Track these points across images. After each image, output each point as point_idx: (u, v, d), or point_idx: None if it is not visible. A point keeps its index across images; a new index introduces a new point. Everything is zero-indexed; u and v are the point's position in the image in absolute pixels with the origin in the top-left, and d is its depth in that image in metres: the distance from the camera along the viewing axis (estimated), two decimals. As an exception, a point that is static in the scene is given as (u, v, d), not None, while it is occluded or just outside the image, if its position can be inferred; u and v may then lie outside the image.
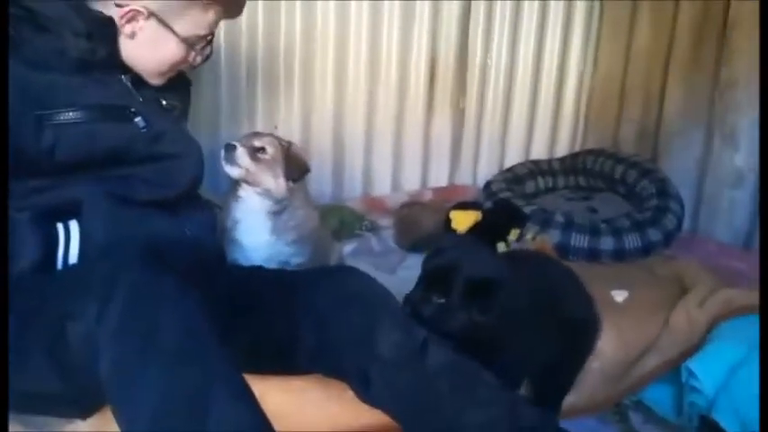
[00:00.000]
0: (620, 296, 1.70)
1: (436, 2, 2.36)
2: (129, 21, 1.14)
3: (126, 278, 0.90)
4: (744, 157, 2.18)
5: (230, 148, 1.35)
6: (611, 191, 2.36)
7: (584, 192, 2.44)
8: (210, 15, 1.20)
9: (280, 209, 1.40)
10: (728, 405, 1.40)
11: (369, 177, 2.43)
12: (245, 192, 1.40)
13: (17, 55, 1.04)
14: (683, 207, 2.13)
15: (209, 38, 1.25)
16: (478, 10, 2.46)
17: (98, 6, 1.13)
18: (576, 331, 1.37)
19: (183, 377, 0.86)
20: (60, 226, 1.10)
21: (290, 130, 2.19)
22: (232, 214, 1.41)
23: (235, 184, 1.41)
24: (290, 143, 1.47)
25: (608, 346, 1.53)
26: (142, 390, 0.84)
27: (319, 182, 2.26)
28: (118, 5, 1.12)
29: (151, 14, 1.14)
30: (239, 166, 1.35)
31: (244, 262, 1.40)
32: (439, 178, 2.59)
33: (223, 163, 1.36)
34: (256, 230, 1.40)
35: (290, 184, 1.40)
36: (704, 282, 1.72)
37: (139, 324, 0.87)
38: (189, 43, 1.20)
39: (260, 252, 1.40)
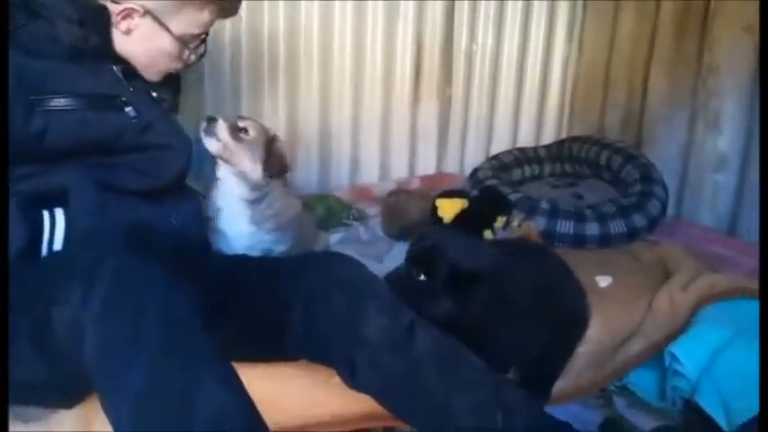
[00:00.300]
0: (604, 281, 1.71)
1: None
2: (124, 18, 1.14)
3: (110, 263, 0.90)
4: (727, 142, 2.21)
5: (212, 120, 1.34)
6: (596, 177, 2.37)
7: (570, 178, 2.45)
8: (206, 15, 1.21)
9: (258, 196, 1.38)
10: (711, 389, 1.42)
11: (356, 166, 2.43)
12: (221, 173, 1.38)
13: (12, 41, 1.04)
14: (667, 192, 2.14)
15: (203, 37, 1.26)
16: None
17: None
18: (567, 323, 1.39)
19: (170, 362, 0.86)
20: (46, 213, 1.10)
21: (277, 119, 2.18)
22: (213, 202, 1.40)
23: (214, 166, 1.40)
24: (275, 136, 1.46)
25: (593, 331, 1.54)
26: (128, 375, 0.84)
27: (306, 171, 2.26)
28: (114, 2, 1.13)
29: (147, 12, 1.14)
30: (218, 140, 1.33)
31: (227, 250, 1.39)
32: (426, 166, 2.59)
33: (202, 134, 1.34)
34: (236, 219, 1.39)
35: (268, 178, 1.38)
36: (687, 266, 1.74)
37: (124, 309, 0.87)
38: (183, 41, 1.21)
39: (242, 241, 1.39)
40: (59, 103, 1.08)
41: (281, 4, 2.11)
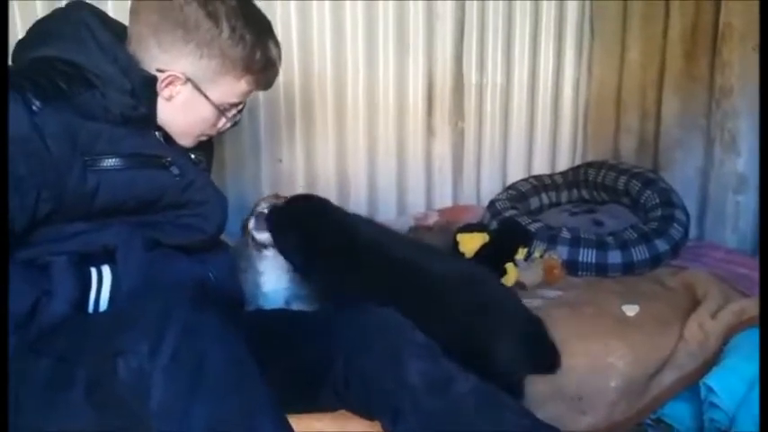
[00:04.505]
0: (631, 311, 1.70)
1: (430, 26, 2.39)
2: (167, 85, 1.19)
3: (177, 316, 0.93)
4: (746, 162, 2.20)
5: (261, 215, 1.48)
6: (614, 203, 2.36)
7: (589, 204, 2.44)
8: (243, 84, 1.24)
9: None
10: (750, 420, 1.39)
11: (373, 204, 2.44)
12: (269, 252, 1.50)
13: (68, 105, 1.09)
14: (688, 216, 2.13)
15: (240, 106, 1.30)
16: (471, 32, 2.49)
17: (144, 65, 1.18)
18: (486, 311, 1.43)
19: (231, 410, 0.90)
20: (93, 270, 1.13)
21: (294, 163, 2.22)
22: (255, 267, 1.51)
23: (260, 247, 1.51)
24: None
25: (622, 363, 1.54)
26: (192, 419, 0.88)
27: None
28: (159, 71, 1.17)
29: (188, 80, 1.19)
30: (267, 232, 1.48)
31: (264, 305, 1.48)
32: (443, 199, 2.60)
33: (252, 230, 1.49)
34: (276, 283, 1.52)
35: None
36: (715, 293, 1.72)
37: (190, 359, 0.91)
38: (221, 110, 1.26)
39: (280, 294, 1.51)
40: (110, 163, 1.12)
41: (294, 48, 2.15)
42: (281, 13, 2.10)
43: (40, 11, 1.72)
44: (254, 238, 1.50)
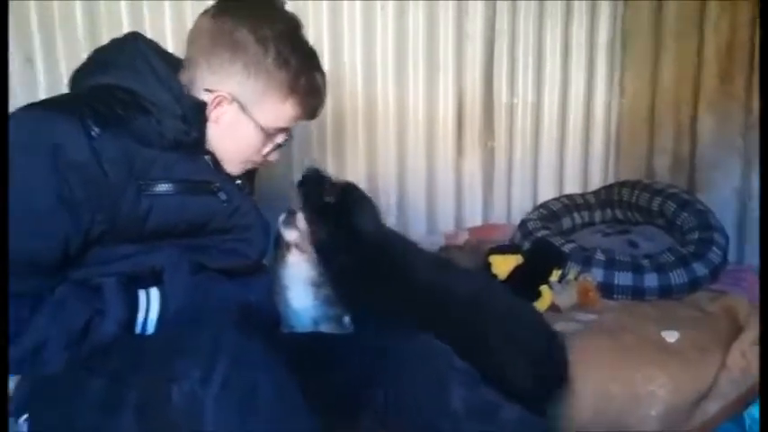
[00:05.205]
0: (671, 337, 1.66)
1: (460, 45, 2.40)
2: (216, 106, 1.20)
3: (227, 344, 0.95)
4: (785, 185, 2.15)
5: (291, 213, 1.45)
6: (649, 223, 2.33)
7: (622, 225, 2.40)
8: (288, 107, 1.24)
9: (324, 280, 1.47)
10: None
11: (403, 221, 2.44)
12: (294, 258, 1.46)
13: (126, 131, 1.11)
14: (727, 239, 2.08)
15: (286, 136, 1.31)
16: (502, 51, 2.50)
17: (194, 89, 1.20)
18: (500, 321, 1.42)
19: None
20: (142, 292, 1.15)
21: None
22: (279, 280, 1.46)
23: (284, 250, 1.46)
24: None
25: (663, 391, 1.50)
26: None
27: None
28: (207, 91, 1.19)
29: (234, 99, 1.20)
30: (297, 230, 1.43)
31: (295, 323, 1.45)
32: (473, 217, 2.59)
33: (282, 226, 1.45)
34: (302, 297, 1.47)
35: None
36: (756, 320, 1.68)
37: (240, 388, 0.93)
38: (266, 133, 1.26)
39: (309, 313, 1.46)
40: (163, 188, 1.14)
41: (326, 68, 2.15)
42: (313, 31, 2.10)
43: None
44: (281, 236, 1.46)
